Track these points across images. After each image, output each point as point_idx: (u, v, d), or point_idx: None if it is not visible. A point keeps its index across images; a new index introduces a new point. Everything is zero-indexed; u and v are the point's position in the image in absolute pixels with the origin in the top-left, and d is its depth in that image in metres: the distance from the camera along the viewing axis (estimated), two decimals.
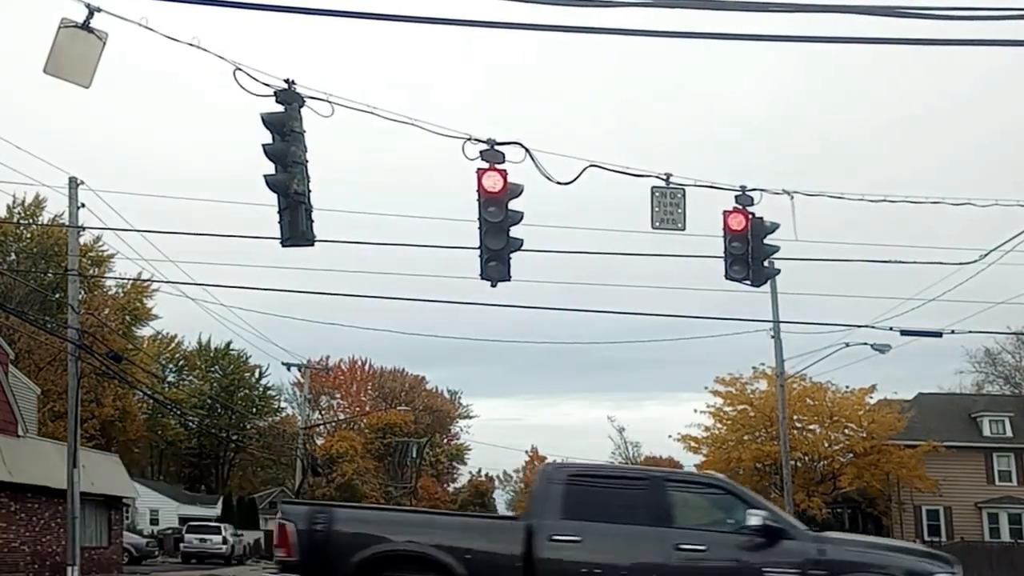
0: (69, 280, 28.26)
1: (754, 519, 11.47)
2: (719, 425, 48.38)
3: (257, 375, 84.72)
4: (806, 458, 47.26)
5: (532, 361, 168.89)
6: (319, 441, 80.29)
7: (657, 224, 13.97)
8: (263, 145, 11.81)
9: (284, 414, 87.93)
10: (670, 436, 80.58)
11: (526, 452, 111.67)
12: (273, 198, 12.05)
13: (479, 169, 12.75)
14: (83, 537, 29.48)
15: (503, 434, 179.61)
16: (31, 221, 53.48)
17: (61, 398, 41.65)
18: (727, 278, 14.45)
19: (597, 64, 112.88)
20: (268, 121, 11.70)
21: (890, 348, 30.42)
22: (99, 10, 10.07)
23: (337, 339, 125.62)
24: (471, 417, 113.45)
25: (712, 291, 19.57)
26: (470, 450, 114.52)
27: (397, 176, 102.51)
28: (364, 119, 12.03)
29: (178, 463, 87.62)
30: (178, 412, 63.18)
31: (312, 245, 12.47)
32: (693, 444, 49.51)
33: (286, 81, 11.58)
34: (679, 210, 13.90)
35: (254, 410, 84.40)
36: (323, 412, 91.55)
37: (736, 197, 14.25)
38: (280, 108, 11.63)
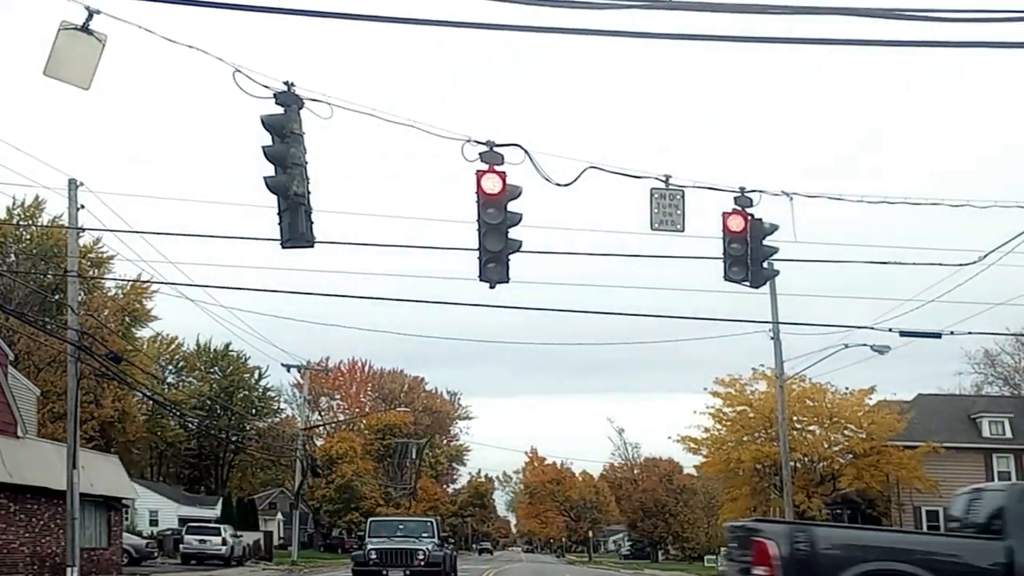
0: (69, 281, 28.28)
1: None
2: (718, 426, 48.39)
3: (257, 376, 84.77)
4: (806, 459, 47.25)
5: (531, 362, 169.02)
6: (319, 442, 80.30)
7: (656, 225, 13.97)
8: (263, 147, 11.82)
9: (284, 415, 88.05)
10: (669, 437, 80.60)
11: (525, 453, 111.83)
12: (273, 200, 12.07)
13: (478, 171, 12.75)
14: (82, 538, 29.48)
15: (502, 435, 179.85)
16: (31, 222, 53.51)
17: (60, 399, 41.67)
18: (726, 279, 14.45)
19: (597, 65, 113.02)
20: (268, 123, 11.71)
21: (889, 349, 30.43)
22: (98, 12, 10.08)
23: (336, 340, 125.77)
24: (470, 418, 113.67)
25: (711, 292, 19.58)
26: (469, 451, 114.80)
27: (397, 177, 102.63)
28: (363, 121, 12.05)
29: (178, 464, 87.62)
30: (178, 413, 63.16)
31: (312, 246, 12.47)
32: (693, 445, 49.56)
33: (285, 83, 11.59)
34: (678, 211, 13.91)
35: (253, 411, 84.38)
36: (323, 413, 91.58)
37: (735, 198, 14.25)
38: (279, 110, 11.64)
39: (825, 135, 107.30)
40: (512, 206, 13.00)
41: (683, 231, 13.97)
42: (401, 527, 34.50)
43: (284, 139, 11.73)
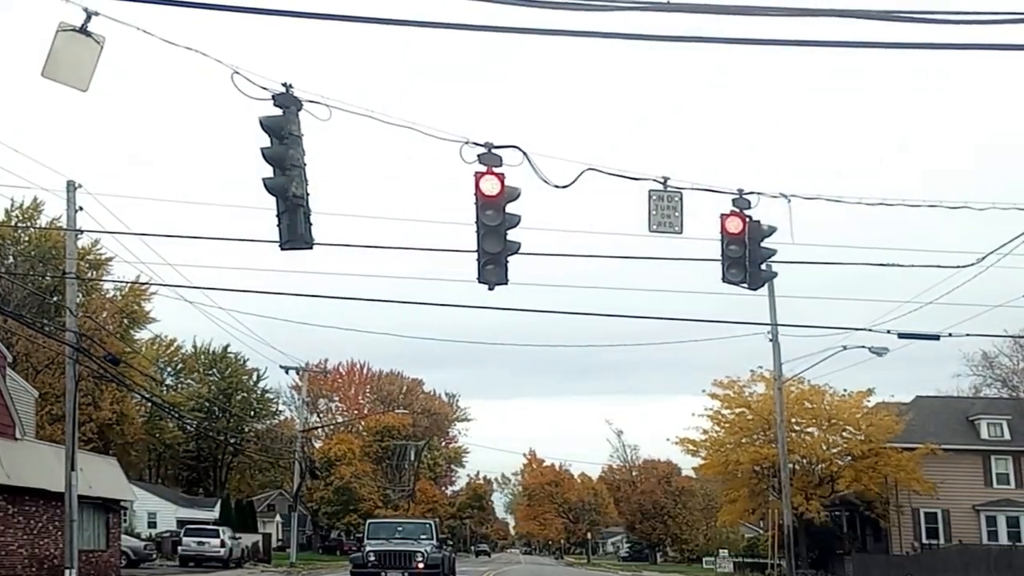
0: (67, 283, 28.26)
1: None
2: (717, 428, 48.43)
3: (255, 378, 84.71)
4: (804, 461, 47.26)
5: (529, 364, 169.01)
6: (317, 444, 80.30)
7: (654, 227, 13.98)
8: (261, 149, 11.82)
9: (282, 417, 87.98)
10: (668, 439, 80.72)
11: (524, 455, 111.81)
12: (272, 201, 12.07)
13: (477, 172, 12.75)
14: (81, 540, 29.43)
15: (501, 437, 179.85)
16: (29, 224, 53.46)
17: (59, 401, 41.63)
18: (724, 281, 14.46)
19: (596, 66, 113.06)
20: (266, 125, 11.72)
21: (888, 351, 30.43)
22: (97, 14, 10.08)
23: (335, 342, 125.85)
24: (469, 420, 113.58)
25: (710, 294, 19.57)
26: (468, 453, 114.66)
27: (395, 179, 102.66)
28: (362, 122, 12.05)
29: (176, 466, 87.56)
30: (176, 415, 63.14)
31: (311, 248, 12.48)
32: (691, 447, 49.60)
33: (284, 85, 11.59)
34: (676, 213, 13.91)
35: (252, 413, 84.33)
36: (321, 415, 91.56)
37: (733, 200, 14.26)
38: (278, 112, 11.64)
39: (824, 136, 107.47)
40: (511, 208, 13.00)
41: (681, 233, 13.98)
42: (400, 529, 34.51)
43: (283, 141, 11.73)
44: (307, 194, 12.04)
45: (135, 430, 64.19)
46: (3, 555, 28.25)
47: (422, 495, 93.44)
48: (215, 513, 63.87)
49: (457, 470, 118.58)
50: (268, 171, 11.88)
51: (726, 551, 61.59)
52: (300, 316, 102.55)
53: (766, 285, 23.67)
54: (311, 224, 12.19)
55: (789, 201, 14.49)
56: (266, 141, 11.80)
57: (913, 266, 19.05)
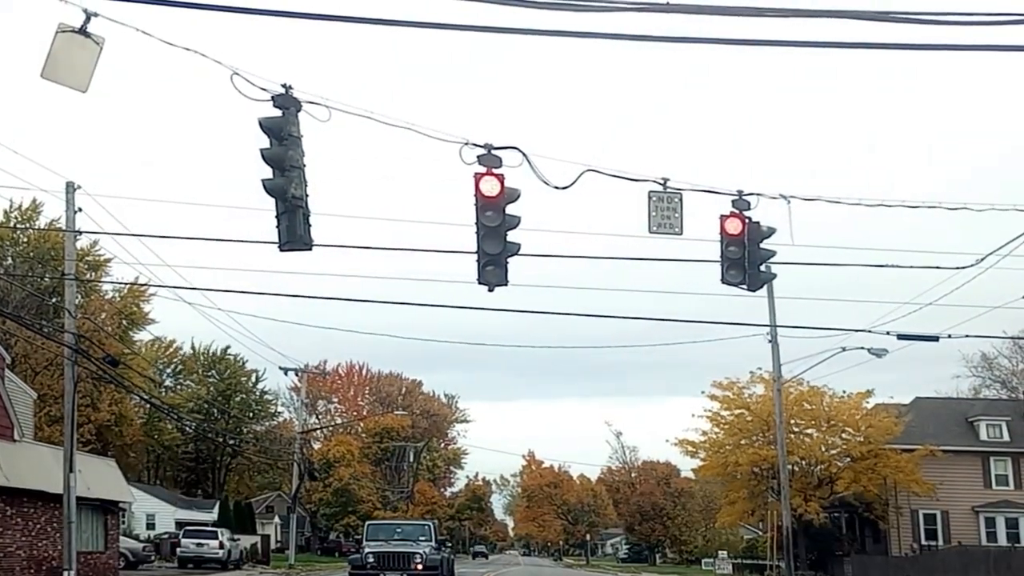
0: (66, 284, 28.25)
1: None
2: (716, 429, 48.42)
3: (254, 379, 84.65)
4: (803, 462, 47.27)
5: (529, 365, 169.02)
6: (316, 445, 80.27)
7: (654, 229, 13.97)
8: (261, 150, 11.80)
9: (281, 418, 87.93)
10: (667, 440, 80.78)
11: (523, 456, 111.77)
12: (271, 202, 12.06)
13: (476, 173, 12.74)
14: (79, 542, 29.40)
15: (500, 439, 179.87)
16: (28, 225, 53.41)
17: (57, 402, 41.60)
18: (724, 282, 14.45)
19: (595, 67, 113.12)
20: (266, 126, 11.71)
21: (887, 352, 30.45)
22: (96, 15, 10.07)
23: (334, 343, 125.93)
24: (468, 421, 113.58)
25: (709, 295, 19.55)
26: (467, 454, 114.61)
27: (394, 180, 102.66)
28: (361, 123, 12.04)
29: (175, 467, 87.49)
30: (175, 417, 63.08)
31: (310, 249, 12.46)
32: (690, 448, 49.59)
33: (283, 86, 11.58)
34: (676, 214, 13.90)
35: (251, 414, 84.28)
36: (320, 416, 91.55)
37: (733, 201, 14.25)
38: (277, 113, 11.63)
39: (824, 137, 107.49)
40: (510, 209, 12.99)
41: (681, 234, 13.97)
42: (398, 531, 34.50)
43: (282, 142, 11.72)
44: (306, 195, 12.03)
45: (134, 431, 64.14)
46: (1, 557, 28.21)
47: (421, 496, 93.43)
48: (214, 515, 63.81)
49: (456, 471, 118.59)
50: (267, 172, 11.87)
51: (725, 552, 61.60)
52: (299, 317, 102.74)
53: (765, 286, 23.68)
54: (310, 225, 12.18)
55: (789, 202, 14.49)
56: (265, 142, 11.79)
57: (912, 267, 19.06)
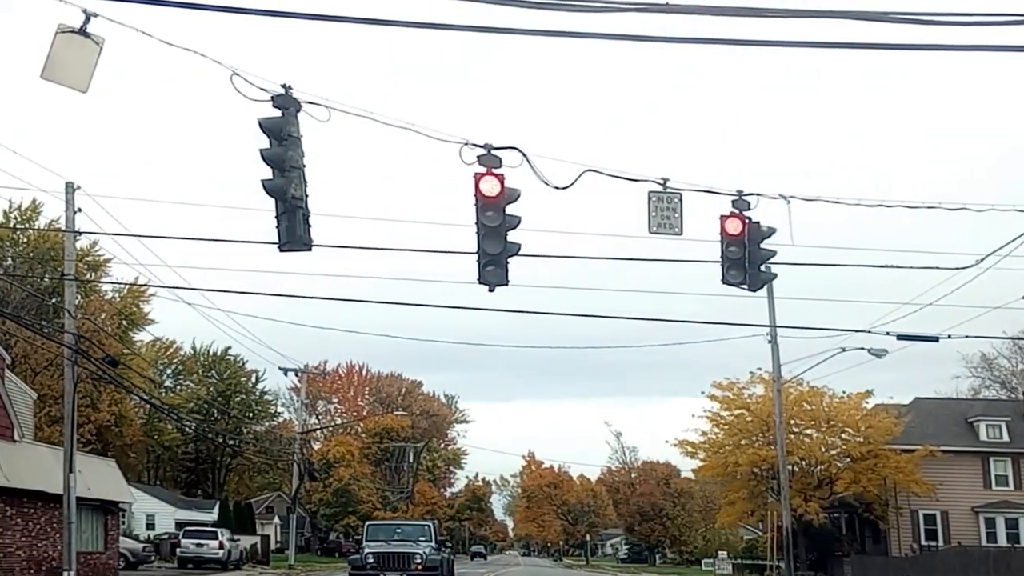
0: (66, 285, 28.22)
1: None
2: (716, 430, 48.39)
3: (254, 380, 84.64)
4: (803, 463, 47.24)
5: (529, 365, 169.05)
6: (316, 446, 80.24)
7: (654, 229, 13.96)
8: (261, 150, 11.80)
9: (281, 419, 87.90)
10: (667, 441, 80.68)
11: (523, 457, 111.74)
12: (271, 202, 12.05)
13: (476, 174, 12.73)
14: (79, 542, 29.38)
15: (500, 439, 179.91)
16: (28, 225, 53.39)
17: (57, 403, 41.59)
18: (724, 283, 14.44)
19: (592, 68, 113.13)
20: (265, 126, 11.70)
21: (887, 353, 30.44)
22: (96, 15, 10.06)
23: (334, 343, 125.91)
24: (468, 422, 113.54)
25: (709, 296, 19.56)
26: (467, 455, 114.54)
27: (394, 180, 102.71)
28: (361, 124, 12.04)
29: (175, 468, 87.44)
30: (175, 417, 63.04)
31: (309, 249, 12.46)
32: (690, 449, 49.57)
33: (283, 86, 11.58)
34: (676, 215, 13.90)
35: (251, 415, 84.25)
36: (320, 417, 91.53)
37: (733, 201, 14.25)
38: (277, 113, 11.63)
39: (823, 138, 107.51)
40: (511, 209, 12.98)
41: (681, 234, 13.96)
42: (398, 531, 34.47)
43: (282, 142, 11.72)
44: (306, 195, 12.02)
45: (134, 432, 64.12)
46: (1, 557, 28.21)
47: (421, 497, 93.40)
48: (214, 515, 63.78)
49: (456, 472, 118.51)
50: (267, 172, 11.87)
51: (725, 553, 61.60)
52: (299, 317, 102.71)
53: (765, 287, 23.67)
54: (310, 225, 12.17)
55: (788, 202, 14.49)
56: (265, 142, 11.78)
57: (912, 267, 19.07)
